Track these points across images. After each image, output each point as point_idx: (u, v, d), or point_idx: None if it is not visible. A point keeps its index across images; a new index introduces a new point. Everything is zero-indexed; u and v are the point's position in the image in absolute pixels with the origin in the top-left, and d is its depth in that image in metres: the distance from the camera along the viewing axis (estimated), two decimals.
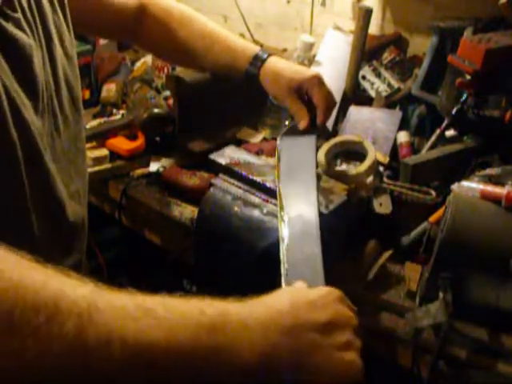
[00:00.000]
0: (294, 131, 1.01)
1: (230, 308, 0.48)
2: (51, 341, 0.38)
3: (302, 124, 0.99)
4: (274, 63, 1.02)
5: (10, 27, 0.62)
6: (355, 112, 1.26)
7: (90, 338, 0.39)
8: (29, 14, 0.67)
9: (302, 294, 0.56)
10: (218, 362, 0.45)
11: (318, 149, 1.02)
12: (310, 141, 0.97)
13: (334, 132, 1.26)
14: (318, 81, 0.99)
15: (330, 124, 1.27)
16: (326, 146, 1.12)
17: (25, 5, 0.67)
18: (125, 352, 0.40)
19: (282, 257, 0.70)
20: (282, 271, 0.68)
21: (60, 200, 0.72)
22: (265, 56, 1.03)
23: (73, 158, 0.79)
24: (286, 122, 1.30)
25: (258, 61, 1.02)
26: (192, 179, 1.10)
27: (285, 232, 0.73)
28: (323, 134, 1.14)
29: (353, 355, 0.53)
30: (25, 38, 0.65)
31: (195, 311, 0.45)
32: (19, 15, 0.64)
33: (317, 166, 1.03)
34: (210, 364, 0.44)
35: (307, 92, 1.00)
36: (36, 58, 0.66)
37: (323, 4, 1.59)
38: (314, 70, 1.03)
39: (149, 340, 0.41)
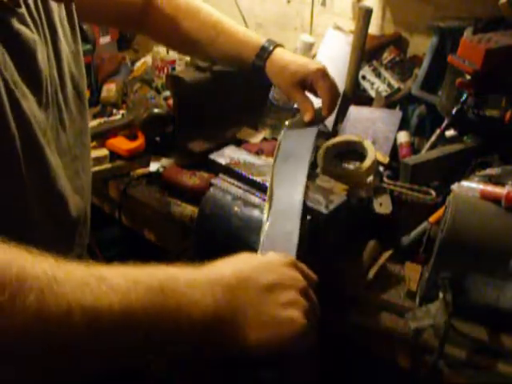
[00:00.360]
0: (298, 123, 1.03)
1: (178, 272, 0.53)
2: (14, 315, 0.41)
3: (307, 116, 1.01)
4: (280, 56, 1.03)
5: (14, 22, 0.63)
6: (355, 112, 1.26)
7: (51, 309, 0.42)
8: (33, 10, 0.68)
9: (252, 258, 0.61)
10: (167, 321, 0.48)
11: (319, 139, 1.05)
12: (311, 131, 0.99)
13: (334, 132, 1.26)
14: (322, 73, 1.00)
15: (329, 124, 1.27)
16: (325, 146, 1.12)
17: (30, 1, 0.67)
18: (84, 319, 0.44)
19: (262, 231, 0.74)
20: (260, 243, 0.72)
21: (62, 194, 0.72)
22: (271, 48, 1.04)
23: (78, 153, 0.79)
24: (286, 122, 1.31)
25: (264, 53, 1.03)
26: (192, 179, 1.10)
27: (271, 209, 0.77)
28: (327, 129, 1.16)
29: (295, 313, 0.55)
30: (28, 33, 0.65)
31: (146, 277, 0.50)
32: (23, 10, 0.65)
33: (315, 165, 1.03)
34: (160, 322, 0.48)
35: (312, 85, 1.01)
36: (40, 53, 0.67)
37: (323, 4, 1.59)
38: (318, 62, 1.04)
39: (105, 306, 0.45)
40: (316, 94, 1.03)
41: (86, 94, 0.84)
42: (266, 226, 0.75)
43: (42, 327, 0.42)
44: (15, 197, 0.63)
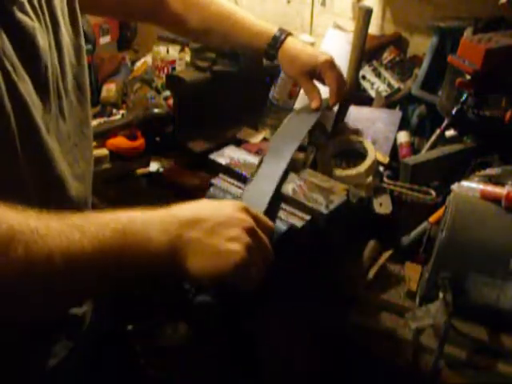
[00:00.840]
0: (305, 109, 1.10)
1: (139, 215, 0.63)
2: (8, 264, 0.51)
3: (314, 103, 1.07)
4: (291, 45, 1.08)
5: (15, 11, 0.65)
6: (355, 112, 1.26)
7: (36, 256, 0.52)
8: (35, 1, 0.70)
9: (209, 202, 0.69)
10: (129, 256, 0.58)
11: (322, 128, 1.14)
12: (313, 116, 1.07)
13: (334, 132, 1.26)
14: (330, 64, 1.06)
15: (329, 124, 1.27)
16: (326, 146, 1.12)
17: None
18: (62, 260, 0.53)
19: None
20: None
21: (61, 177, 0.73)
22: (282, 37, 1.08)
23: (78, 142, 0.81)
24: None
25: (276, 42, 1.08)
26: (192, 179, 1.10)
27: (257, 172, 0.88)
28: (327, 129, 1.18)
29: (236, 246, 0.62)
30: (28, 20, 0.67)
31: (112, 221, 0.59)
32: (23, 0, 0.67)
33: (315, 165, 1.03)
34: (124, 258, 0.58)
35: (320, 74, 1.07)
36: (40, 40, 0.69)
37: (323, 4, 1.59)
38: (326, 53, 1.10)
39: (78, 248, 0.54)
40: (324, 83, 1.09)
41: (88, 86, 0.85)
42: (248, 185, 0.85)
43: (31, 271, 0.52)
44: (10, 174, 0.64)
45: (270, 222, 0.71)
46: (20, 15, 0.65)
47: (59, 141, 0.74)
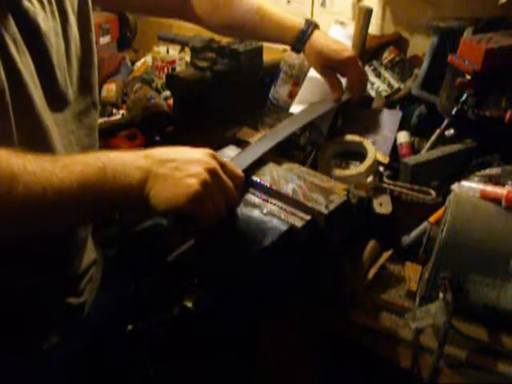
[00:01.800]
0: (325, 100, 1.19)
1: (117, 154, 0.70)
2: (12, 201, 0.61)
3: (336, 95, 1.16)
4: (316, 39, 1.14)
5: (24, 1, 0.70)
6: (355, 112, 1.26)
7: (33, 194, 0.62)
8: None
9: (181, 147, 0.75)
10: (109, 190, 0.67)
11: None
12: (329, 103, 1.17)
13: (334, 132, 1.26)
14: (353, 62, 1.14)
15: (326, 124, 1.27)
16: (326, 146, 1.12)
17: None
18: (54, 196, 0.63)
19: None
20: None
21: (54, 153, 0.76)
22: (309, 31, 1.14)
23: (74, 129, 0.85)
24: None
25: (303, 36, 1.14)
26: None
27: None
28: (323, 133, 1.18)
29: (193, 181, 0.70)
30: (31, 7, 0.71)
31: (95, 161, 0.67)
32: None
33: (316, 165, 1.03)
34: (104, 191, 0.67)
35: (343, 70, 1.15)
36: (44, 26, 0.73)
37: (323, 4, 1.59)
38: (350, 49, 1.18)
39: (67, 184, 0.64)
40: (345, 77, 1.17)
41: (95, 80, 0.91)
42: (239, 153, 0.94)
43: (29, 205, 0.62)
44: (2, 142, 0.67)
45: (237, 170, 0.78)
46: (28, 6, 0.71)
47: (56, 122, 0.78)
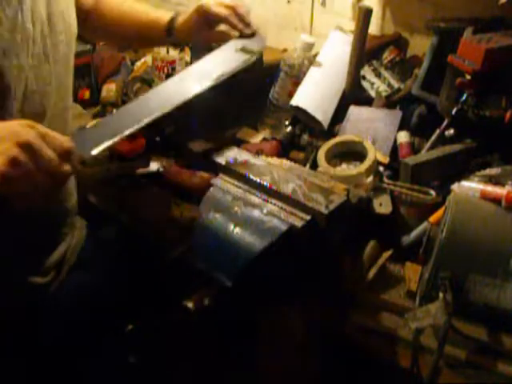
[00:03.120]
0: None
1: None
2: None
3: (234, 33, 1.08)
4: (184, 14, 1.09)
5: None
6: (355, 112, 1.26)
7: None
8: None
9: (6, 121, 0.67)
10: None
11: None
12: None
13: (334, 132, 1.26)
14: (213, 3, 1.06)
15: (325, 122, 1.27)
16: (325, 146, 1.12)
17: None
18: None
19: None
20: None
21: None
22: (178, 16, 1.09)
23: (63, 80, 0.87)
24: (287, 122, 1.31)
25: (175, 19, 1.10)
26: (192, 179, 1.10)
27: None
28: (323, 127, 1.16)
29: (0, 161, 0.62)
30: None
31: None
32: None
33: (316, 165, 1.02)
34: None
35: (212, 16, 1.06)
36: None
37: (323, 4, 1.59)
38: None
39: None
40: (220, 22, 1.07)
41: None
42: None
43: None
44: None
45: (63, 140, 0.67)
46: None
47: (45, 82, 0.81)
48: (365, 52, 1.32)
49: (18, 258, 0.87)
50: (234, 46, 1.05)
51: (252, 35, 1.08)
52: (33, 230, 0.88)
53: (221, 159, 0.94)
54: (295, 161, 1.13)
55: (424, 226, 0.96)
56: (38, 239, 0.92)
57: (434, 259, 0.84)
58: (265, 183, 0.87)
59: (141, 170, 1.20)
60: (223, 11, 1.05)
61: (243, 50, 1.05)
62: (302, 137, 1.27)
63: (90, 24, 1.12)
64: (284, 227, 0.79)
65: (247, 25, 1.08)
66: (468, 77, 1.03)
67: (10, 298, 0.88)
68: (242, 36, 1.07)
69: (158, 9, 1.16)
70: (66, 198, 0.99)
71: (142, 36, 1.16)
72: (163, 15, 1.12)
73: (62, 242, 1.00)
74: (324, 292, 0.91)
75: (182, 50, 1.63)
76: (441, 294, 0.80)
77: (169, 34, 1.11)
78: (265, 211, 0.83)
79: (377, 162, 1.10)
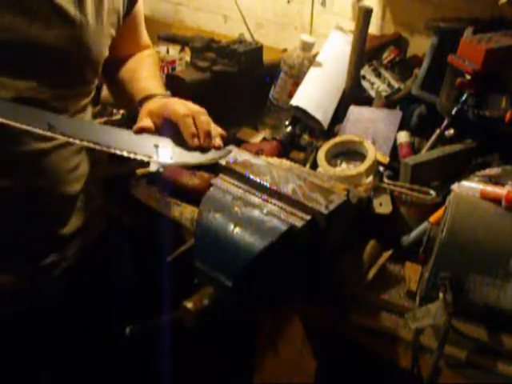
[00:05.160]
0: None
1: None
2: None
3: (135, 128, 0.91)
4: (152, 100, 0.96)
5: None
6: (355, 112, 1.26)
7: None
8: None
9: None
10: None
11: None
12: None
13: (334, 132, 1.26)
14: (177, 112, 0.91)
15: (325, 122, 1.27)
16: (325, 146, 1.12)
17: None
18: None
19: None
20: None
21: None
22: (153, 96, 0.97)
23: None
24: (287, 122, 1.31)
25: (144, 99, 0.98)
26: (192, 179, 1.10)
27: None
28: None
29: None
30: None
31: None
32: None
33: (316, 165, 1.02)
34: None
35: (164, 114, 0.92)
36: None
37: (323, 4, 1.59)
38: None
39: None
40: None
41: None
42: None
43: None
44: None
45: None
46: None
47: None
48: (365, 52, 1.32)
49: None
50: (154, 140, 0.90)
51: (200, 148, 0.90)
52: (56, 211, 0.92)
53: (221, 159, 0.94)
54: (295, 161, 1.13)
55: (424, 226, 0.96)
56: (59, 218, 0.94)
57: (433, 259, 0.84)
58: (265, 183, 0.87)
59: (141, 170, 1.20)
60: (181, 111, 0.90)
61: (156, 147, 0.89)
62: (302, 137, 1.27)
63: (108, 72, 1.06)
64: (284, 227, 0.79)
65: (201, 136, 0.90)
66: (468, 77, 1.03)
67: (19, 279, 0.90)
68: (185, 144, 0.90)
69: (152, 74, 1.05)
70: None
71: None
72: (140, 93, 0.99)
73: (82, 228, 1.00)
74: (324, 292, 0.91)
75: (182, 50, 1.63)
76: (441, 294, 0.80)
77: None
78: (265, 211, 0.83)
79: (377, 162, 1.10)
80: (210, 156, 0.91)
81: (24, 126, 0.75)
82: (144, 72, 1.05)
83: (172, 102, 0.93)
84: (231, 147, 0.95)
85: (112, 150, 0.84)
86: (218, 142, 0.92)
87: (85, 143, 0.82)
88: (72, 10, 0.82)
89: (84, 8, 0.84)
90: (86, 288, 1.04)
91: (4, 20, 0.76)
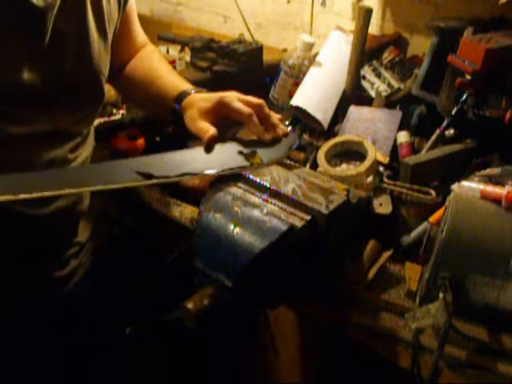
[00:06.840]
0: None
1: None
2: None
3: (205, 138, 0.90)
4: (193, 96, 0.95)
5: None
6: (355, 112, 1.26)
7: None
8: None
9: None
10: None
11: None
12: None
13: (334, 132, 1.26)
14: (230, 97, 0.91)
15: (325, 122, 1.27)
16: (325, 146, 1.12)
17: None
18: None
19: None
20: None
21: None
22: (190, 91, 0.96)
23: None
24: (287, 122, 1.31)
25: (182, 96, 0.96)
26: (192, 179, 1.10)
27: None
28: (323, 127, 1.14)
29: None
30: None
31: None
32: None
33: (316, 165, 1.02)
34: None
35: (230, 112, 0.92)
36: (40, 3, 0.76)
37: (323, 4, 1.59)
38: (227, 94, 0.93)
39: None
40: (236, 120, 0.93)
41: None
42: None
43: None
44: None
45: None
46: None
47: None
48: (365, 52, 1.32)
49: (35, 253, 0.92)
50: (236, 147, 0.91)
51: (274, 141, 0.91)
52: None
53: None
54: (295, 161, 1.13)
55: (424, 226, 0.96)
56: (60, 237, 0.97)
57: (433, 259, 0.84)
58: (265, 183, 0.87)
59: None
60: (244, 109, 0.90)
61: (242, 154, 0.90)
62: (302, 137, 1.27)
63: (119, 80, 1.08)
64: (284, 227, 0.79)
65: (269, 129, 0.91)
66: (468, 77, 1.03)
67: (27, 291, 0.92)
68: (259, 141, 0.91)
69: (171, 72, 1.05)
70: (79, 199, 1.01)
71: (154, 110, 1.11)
72: (171, 91, 0.98)
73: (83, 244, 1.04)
74: (324, 292, 0.91)
75: (182, 50, 1.63)
76: (441, 294, 0.80)
77: (175, 115, 0.98)
78: (265, 211, 0.83)
79: (377, 162, 1.10)
80: (287, 144, 0.92)
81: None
82: (162, 69, 1.05)
83: (228, 99, 0.90)
84: (290, 128, 0.95)
85: (209, 172, 0.84)
86: (284, 128, 0.93)
87: (180, 178, 0.84)
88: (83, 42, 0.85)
89: (88, 38, 0.86)
90: (105, 288, 1.06)
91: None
